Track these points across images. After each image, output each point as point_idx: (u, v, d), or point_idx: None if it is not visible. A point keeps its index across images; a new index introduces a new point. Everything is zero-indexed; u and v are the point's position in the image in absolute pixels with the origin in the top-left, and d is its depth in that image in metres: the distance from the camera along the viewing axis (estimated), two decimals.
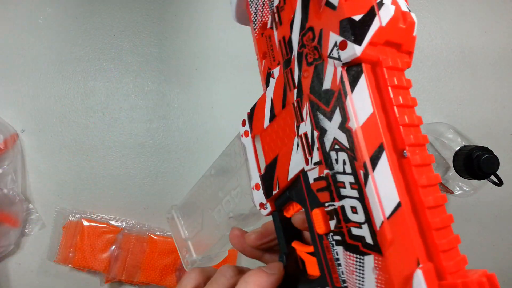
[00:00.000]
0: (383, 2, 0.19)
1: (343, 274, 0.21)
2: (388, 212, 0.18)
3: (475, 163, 0.42)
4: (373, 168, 0.19)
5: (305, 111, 0.22)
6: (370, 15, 0.19)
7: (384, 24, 0.19)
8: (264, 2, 0.26)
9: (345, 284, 0.21)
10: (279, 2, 0.24)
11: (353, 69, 0.20)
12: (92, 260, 0.52)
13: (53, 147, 0.56)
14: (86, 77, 0.57)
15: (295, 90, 0.23)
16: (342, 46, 0.19)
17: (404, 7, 0.20)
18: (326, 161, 0.21)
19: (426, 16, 0.58)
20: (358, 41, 0.19)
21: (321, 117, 0.21)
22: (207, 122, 0.57)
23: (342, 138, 0.20)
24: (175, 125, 0.57)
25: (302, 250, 0.26)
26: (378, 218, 0.18)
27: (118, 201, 0.55)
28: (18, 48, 0.57)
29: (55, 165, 0.56)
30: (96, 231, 0.53)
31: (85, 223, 0.53)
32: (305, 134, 0.23)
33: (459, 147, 0.45)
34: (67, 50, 0.57)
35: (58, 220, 0.54)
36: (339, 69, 0.20)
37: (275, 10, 0.25)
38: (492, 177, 0.43)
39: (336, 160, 0.20)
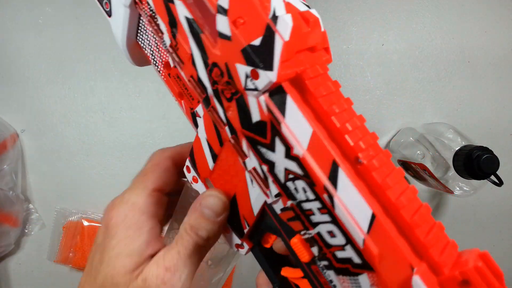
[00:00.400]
0: (276, 14, 0.17)
1: None
2: (365, 227, 0.18)
3: (475, 163, 0.42)
4: (335, 187, 0.18)
5: (245, 146, 0.21)
6: (268, 35, 0.17)
7: (287, 38, 0.17)
8: (157, 43, 0.23)
9: None
10: (171, 41, 0.22)
11: (275, 93, 0.18)
12: None
13: (53, 147, 0.56)
14: (86, 77, 0.57)
15: (227, 128, 0.21)
16: (254, 75, 0.18)
17: (301, 7, 0.18)
18: (285, 192, 0.20)
19: (426, 16, 0.58)
20: (269, 67, 0.17)
21: (263, 150, 0.20)
22: None
23: (293, 167, 0.19)
24: (175, 125, 0.57)
25: (293, 277, 0.24)
26: (358, 237, 0.18)
27: None
28: (18, 48, 0.57)
29: (55, 165, 0.56)
30: (96, 231, 0.53)
31: (85, 223, 0.53)
32: (255, 169, 0.21)
33: (459, 147, 0.45)
34: (67, 50, 0.57)
35: (58, 220, 0.54)
36: (262, 98, 0.18)
37: (170, 50, 0.22)
38: (492, 177, 0.43)
39: (296, 189, 0.19)
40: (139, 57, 0.26)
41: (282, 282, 0.25)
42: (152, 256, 0.25)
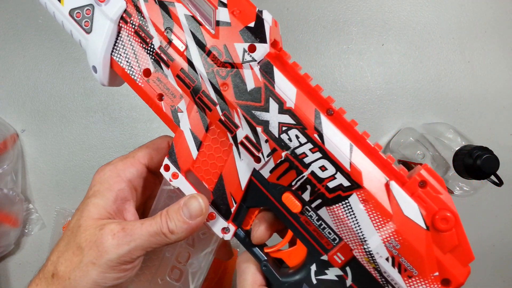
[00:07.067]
0: (259, 9, 0.24)
1: (331, 233, 0.25)
2: (347, 153, 0.23)
3: (475, 163, 0.42)
4: (321, 128, 0.23)
5: (237, 118, 0.24)
6: (259, 20, 0.23)
7: (271, 24, 0.23)
8: (136, 54, 0.27)
9: (336, 241, 0.25)
10: (161, 43, 0.26)
11: (265, 65, 0.24)
12: None
13: (53, 147, 0.56)
14: (86, 77, 0.57)
15: (217, 107, 0.25)
16: (252, 49, 0.24)
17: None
18: (280, 145, 0.24)
19: (426, 16, 0.58)
20: (263, 41, 0.23)
21: (257, 113, 0.24)
22: None
23: (286, 119, 0.23)
24: None
25: (276, 249, 0.27)
26: (345, 161, 0.23)
27: None
28: (17, 48, 0.57)
29: (55, 165, 0.56)
30: None
31: None
32: (246, 137, 0.25)
33: (459, 147, 0.45)
34: (67, 50, 0.57)
35: (58, 220, 0.54)
36: (256, 68, 0.24)
37: (158, 52, 0.26)
38: (492, 177, 0.43)
39: (289, 138, 0.24)
40: (110, 75, 0.29)
41: (267, 258, 0.28)
42: (121, 217, 0.28)
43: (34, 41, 0.57)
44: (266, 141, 0.24)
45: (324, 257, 0.25)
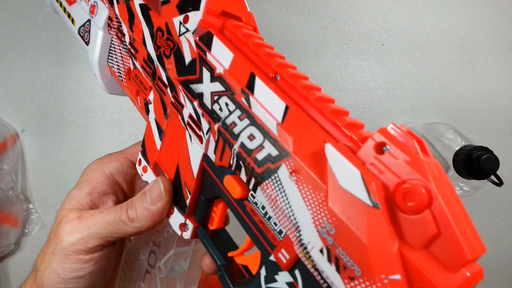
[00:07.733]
0: None
1: (276, 223, 0.19)
2: (279, 117, 0.18)
3: (475, 163, 0.42)
4: (252, 91, 0.19)
5: (182, 97, 0.23)
6: None
7: None
8: (122, 55, 0.28)
9: (282, 234, 0.19)
10: (130, 38, 0.26)
11: (205, 36, 0.22)
12: None
13: (53, 147, 0.56)
14: (86, 77, 0.57)
15: (168, 89, 0.24)
16: (186, 20, 0.22)
17: None
18: (213, 117, 0.21)
19: (426, 16, 0.58)
20: (196, 8, 0.22)
21: (194, 86, 0.22)
22: None
23: (217, 87, 0.21)
24: None
25: (239, 253, 0.23)
26: (272, 124, 0.18)
27: None
28: (18, 48, 0.57)
29: (55, 165, 0.56)
30: None
31: None
32: (190, 116, 0.23)
33: (459, 147, 0.45)
34: (67, 50, 0.57)
35: None
36: (192, 39, 0.22)
37: (129, 47, 0.26)
38: (492, 177, 0.43)
39: (220, 108, 0.21)
40: (109, 81, 0.29)
41: (229, 264, 0.24)
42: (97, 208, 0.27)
43: (34, 41, 0.57)
44: (202, 115, 0.21)
45: (272, 257, 0.20)
